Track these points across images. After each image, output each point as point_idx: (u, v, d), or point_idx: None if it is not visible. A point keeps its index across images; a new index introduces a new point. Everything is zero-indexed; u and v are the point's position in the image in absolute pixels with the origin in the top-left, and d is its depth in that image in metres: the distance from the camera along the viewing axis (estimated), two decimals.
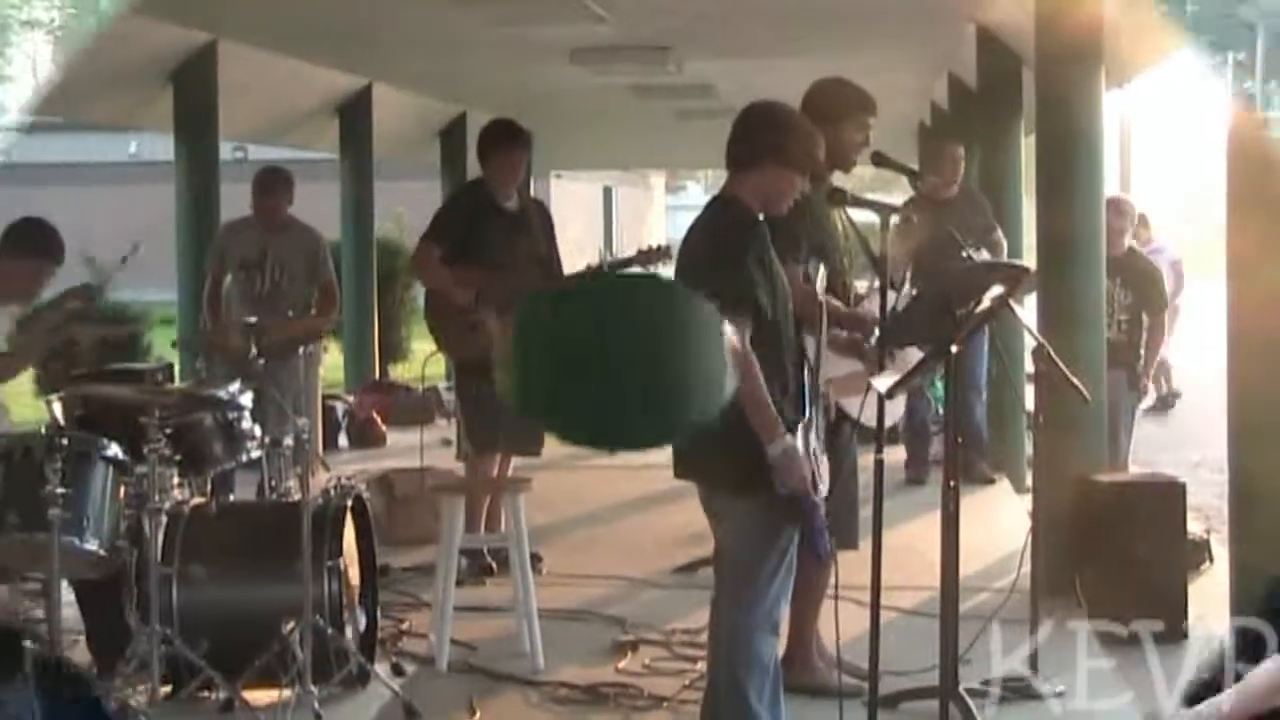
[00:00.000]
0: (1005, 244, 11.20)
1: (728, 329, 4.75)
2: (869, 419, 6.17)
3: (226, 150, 14.31)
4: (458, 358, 8.87)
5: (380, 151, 17.61)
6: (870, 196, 6.46)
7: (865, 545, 6.16)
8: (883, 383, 5.89)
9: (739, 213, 5.52)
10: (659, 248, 9.14)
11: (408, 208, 22.97)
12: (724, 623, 5.56)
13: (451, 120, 19.82)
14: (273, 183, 9.92)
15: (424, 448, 10.44)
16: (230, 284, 9.86)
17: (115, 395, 6.81)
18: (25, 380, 11.44)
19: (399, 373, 20.07)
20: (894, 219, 6.24)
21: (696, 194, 79.91)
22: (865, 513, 6.29)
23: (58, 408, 7.02)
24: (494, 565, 8.79)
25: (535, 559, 8.96)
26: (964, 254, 8.76)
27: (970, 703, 6.04)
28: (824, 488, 5.54)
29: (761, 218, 5.56)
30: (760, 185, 5.54)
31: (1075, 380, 6.62)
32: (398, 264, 20.69)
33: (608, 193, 47.26)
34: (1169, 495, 7.87)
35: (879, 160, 6.63)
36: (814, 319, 5.93)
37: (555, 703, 6.76)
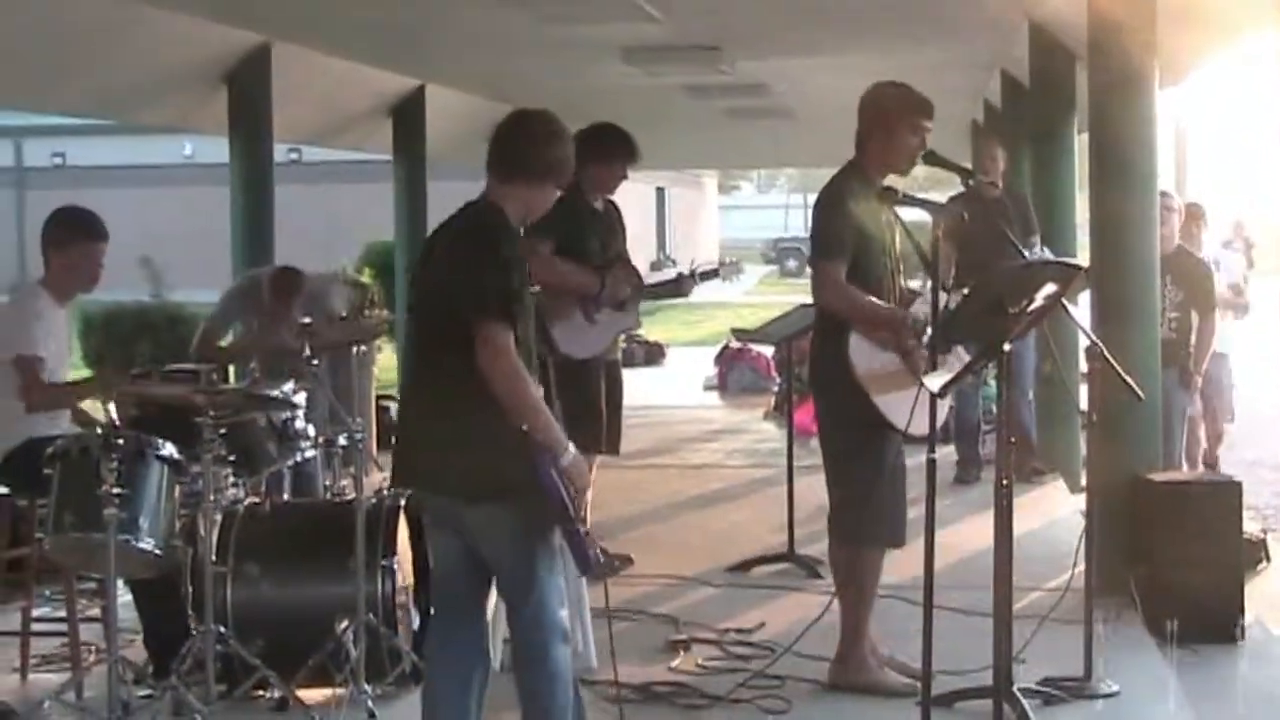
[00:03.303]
0: (1039, 251, 11.03)
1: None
2: (917, 429, 6.16)
3: (280, 152, 14.36)
4: (577, 355, 8.83)
5: (433, 152, 17.65)
6: (922, 196, 6.47)
7: (916, 544, 6.15)
8: (934, 382, 5.89)
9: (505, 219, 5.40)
10: (732, 262, 9.20)
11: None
12: (517, 641, 5.40)
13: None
14: (293, 287, 9.72)
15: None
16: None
17: (170, 395, 6.85)
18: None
19: None
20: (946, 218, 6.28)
21: (749, 193, 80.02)
22: (916, 512, 6.29)
23: (113, 408, 7.06)
24: (631, 558, 8.94)
25: (627, 560, 9.04)
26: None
27: (1024, 702, 6.02)
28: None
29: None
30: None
31: (1128, 379, 6.59)
32: None
33: (660, 193, 47.27)
34: (1225, 494, 7.82)
35: (931, 159, 6.62)
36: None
37: (608, 701, 6.74)
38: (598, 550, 5.23)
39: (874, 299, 6.61)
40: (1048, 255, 10.05)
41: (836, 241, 6.63)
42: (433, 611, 5.63)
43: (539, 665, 5.34)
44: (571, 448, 5.17)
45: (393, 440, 5.52)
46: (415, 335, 5.50)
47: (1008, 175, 11.77)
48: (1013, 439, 6.03)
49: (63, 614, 7.23)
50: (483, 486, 5.18)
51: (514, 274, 5.19)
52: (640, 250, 9.48)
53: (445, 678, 5.48)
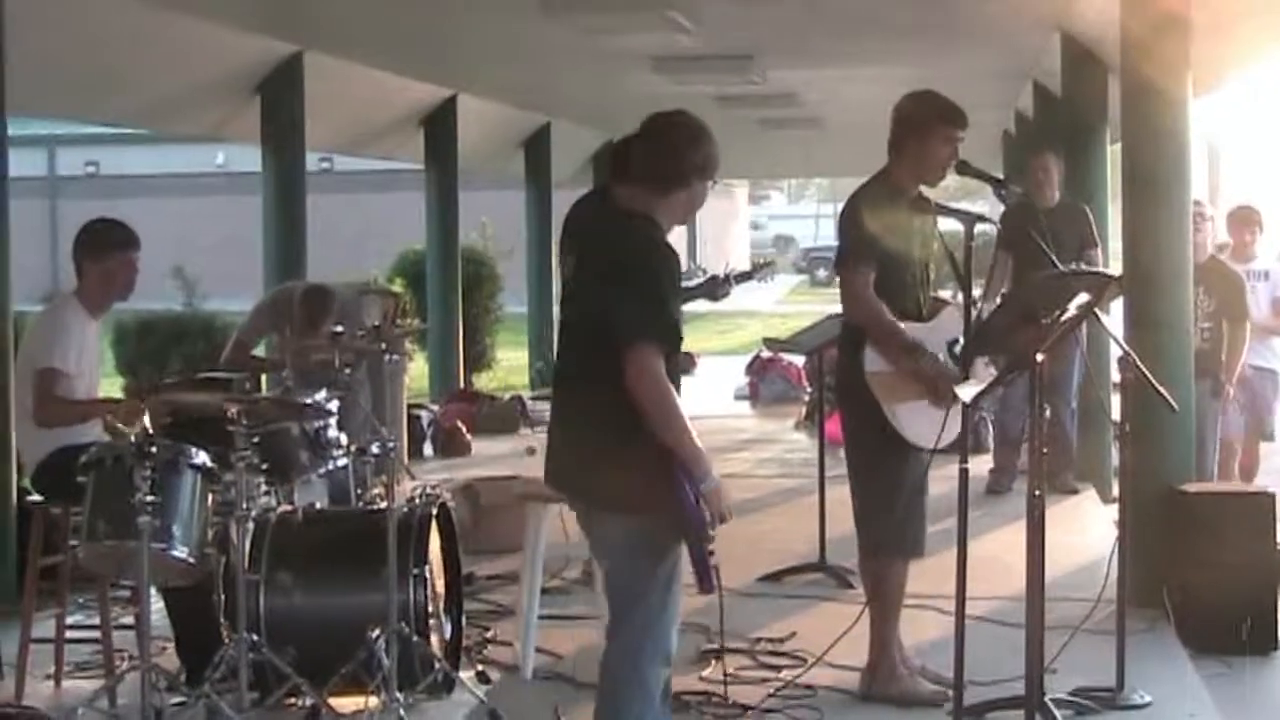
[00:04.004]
0: (1100, 262, 10.93)
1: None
2: (927, 441, 6.15)
3: (312, 161, 14.41)
4: None
5: (465, 162, 17.70)
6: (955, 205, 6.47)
7: (948, 554, 6.14)
8: (966, 392, 5.89)
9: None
10: (767, 263, 9.18)
11: (492, 217, 23.09)
12: (610, 647, 5.36)
13: (535, 130, 19.91)
14: (324, 310, 9.74)
15: (507, 457, 10.47)
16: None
17: (203, 403, 6.87)
18: (114, 389, 11.59)
19: (483, 382, 20.17)
20: (978, 228, 6.27)
21: (780, 203, 79.92)
22: (949, 523, 6.28)
23: (146, 416, 7.08)
24: None
25: None
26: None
27: (1056, 713, 6.00)
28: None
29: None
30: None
31: (1161, 389, 6.57)
32: (482, 273, 20.80)
33: None
34: (1259, 505, 7.79)
35: (963, 168, 6.61)
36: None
37: None
38: (717, 570, 5.16)
39: (895, 320, 6.57)
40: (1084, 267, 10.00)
41: (862, 251, 6.61)
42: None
43: (627, 679, 5.31)
44: (715, 473, 5.13)
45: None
46: (567, 337, 5.51)
47: (1064, 186, 11.59)
48: (1046, 449, 6.01)
49: (96, 621, 7.27)
50: (614, 497, 5.21)
51: (670, 296, 5.17)
52: None
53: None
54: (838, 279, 6.79)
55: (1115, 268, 9.30)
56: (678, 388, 5.15)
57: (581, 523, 5.55)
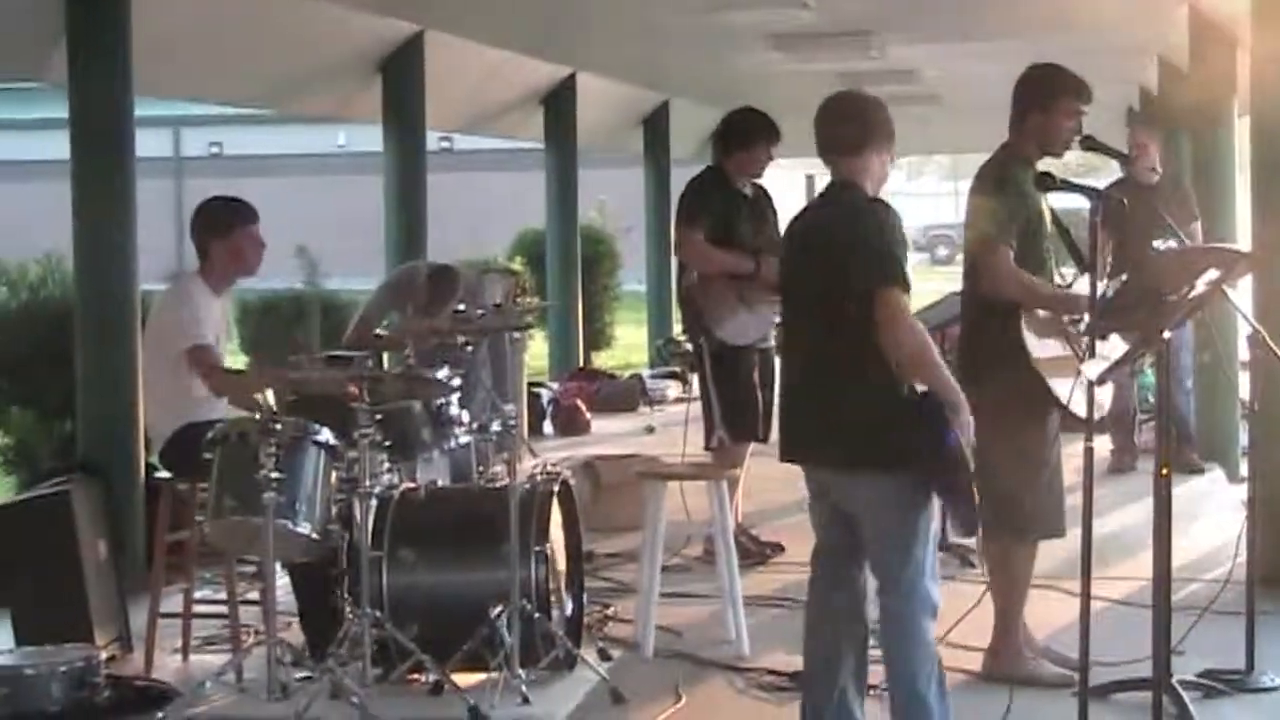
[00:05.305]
0: (1201, 238, 10.82)
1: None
2: (1078, 407, 6.10)
3: (432, 140, 14.47)
4: (734, 341, 8.82)
5: (584, 140, 17.71)
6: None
7: (1073, 534, 6.07)
8: (1092, 369, 5.81)
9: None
10: None
11: (610, 196, 23.11)
12: (886, 611, 5.47)
13: (654, 108, 19.90)
14: (451, 289, 9.71)
15: (626, 435, 10.47)
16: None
17: (327, 381, 6.91)
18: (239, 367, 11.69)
19: (602, 360, 20.21)
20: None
21: (898, 179, 79.38)
22: (1073, 500, 6.21)
23: (270, 394, 7.14)
24: (782, 545, 9.07)
25: (778, 547, 9.09)
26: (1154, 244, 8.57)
27: (1184, 695, 5.93)
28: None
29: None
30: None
31: None
32: (601, 251, 20.82)
33: (810, 180, 47.03)
34: None
35: (1089, 144, 6.52)
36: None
37: (760, 689, 6.75)
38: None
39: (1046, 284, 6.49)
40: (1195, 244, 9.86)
41: (1005, 225, 6.48)
42: (811, 578, 5.76)
43: (909, 637, 5.42)
44: (965, 403, 5.29)
45: (779, 418, 5.74)
46: (794, 318, 5.71)
47: (1164, 162, 11.53)
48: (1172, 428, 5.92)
49: (223, 596, 7.35)
50: (865, 457, 5.33)
51: (902, 243, 5.41)
52: None
53: (822, 643, 5.63)
54: (974, 256, 6.66)
55: (1244, 244, 9.14)
56: None
57: (823, 491, 5.62)
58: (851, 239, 5.39)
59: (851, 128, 5.59)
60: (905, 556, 5.39)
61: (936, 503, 5.41)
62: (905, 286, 5.33)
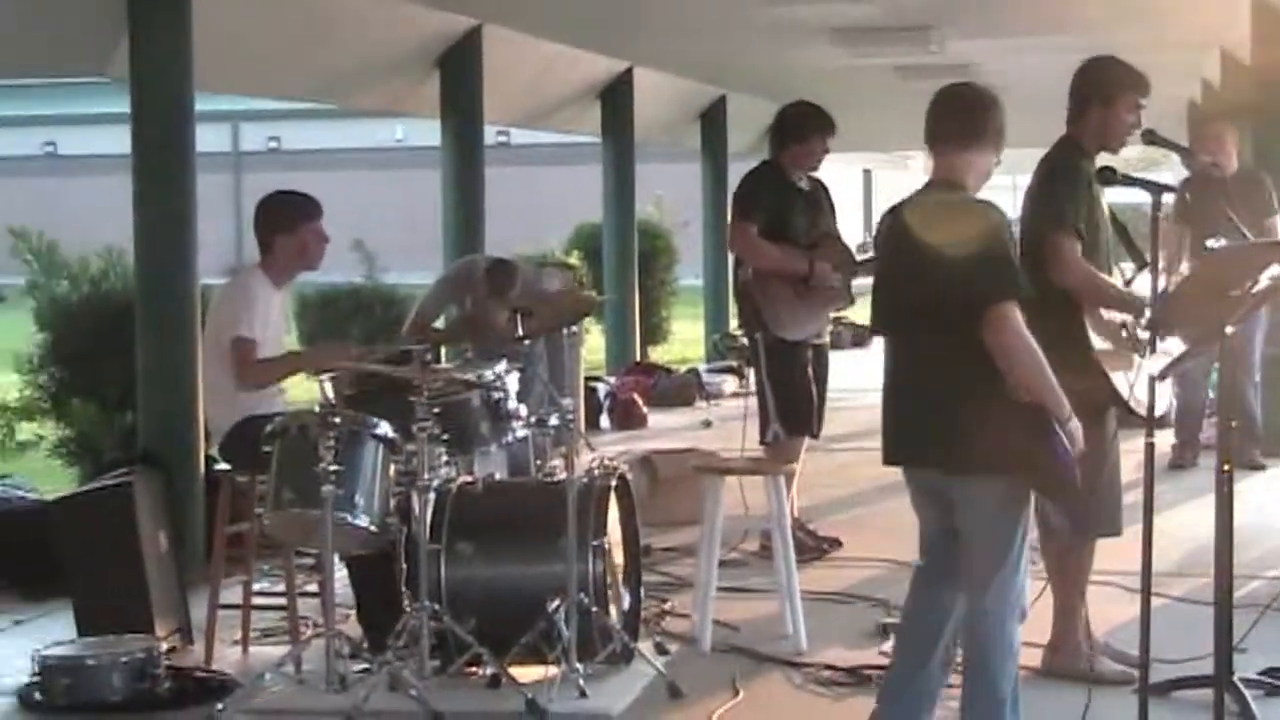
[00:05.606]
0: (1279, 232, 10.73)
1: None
2: (1137, 404, 6.06)
3: (489, 134, 14.50)
4: (789, 336, 8.80)
5: (641, 134, 17.71)
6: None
7: (1134, 530, 6.03)
8: (1154, 365, 5.77)
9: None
10: None
11: (667, 190, 23.10)
12: (975, 610, 5.44)
13: (712, 102, 19.88)
14: (509, 283, 9.66)
15: (683, 430, 10.46)
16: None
17: (385, 375, 6.93)
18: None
19: (658, 355, 20.20)
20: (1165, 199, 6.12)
21: None
22: (1133, 497, 6.17)
23: (329, 387, 7.17)
24: (839, 540, 9.12)
25: (835, 542, 9.13)
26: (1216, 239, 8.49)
27: (1245, 693, 5.89)
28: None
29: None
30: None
31: None
32: (658, 246, 20.81)
33: (867, 175, 46.96)
34: None
35: (1151, 138, 6.47)
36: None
37: (818, 684, 6.74)
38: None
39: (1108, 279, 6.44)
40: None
41: (1071, 216, 6.39)
42: (914, 573, 5.76)
43: (994, 639, 5.39)
44: (1072, 414, 5.28)
45: (882, 419, 5.67)
46: (897, 318, 5.61)
47: (1242, 156, 11.40)
48: (1234, 423, 5.87)
49: (282, 588, 7.39)
50: (972, 459, 5.29)
51: (1012, 249, 5.37)
52: (846, 233, 9.42)
53: (917, 635, 5.63)
54: (1039, 244, 6.55)
55: None
56: None
57: (926, 495, 5.59)
58: (964, 244, 5.28)
59: (963, 121, 5.55)
60: (1001, 558, 5.36)
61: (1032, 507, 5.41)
62: (1020, 293, 5.26)
